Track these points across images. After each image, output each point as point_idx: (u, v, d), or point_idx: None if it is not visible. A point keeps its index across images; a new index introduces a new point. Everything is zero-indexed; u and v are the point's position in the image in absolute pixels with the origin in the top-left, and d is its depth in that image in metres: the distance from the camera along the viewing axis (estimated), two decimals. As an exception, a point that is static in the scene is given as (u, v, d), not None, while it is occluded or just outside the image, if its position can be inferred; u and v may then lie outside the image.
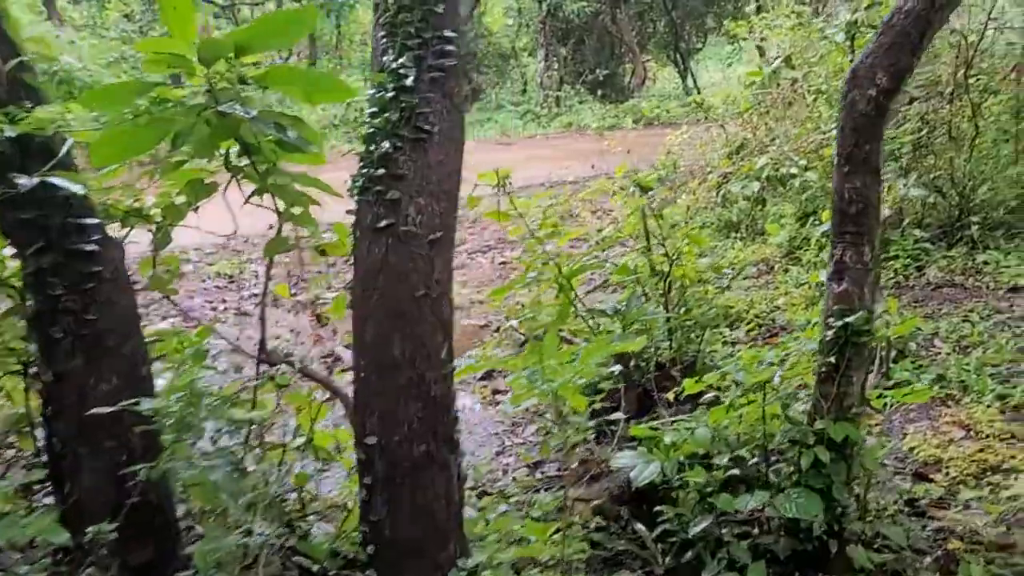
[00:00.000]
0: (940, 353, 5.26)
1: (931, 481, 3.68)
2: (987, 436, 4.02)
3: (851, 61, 7.99)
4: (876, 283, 3.19)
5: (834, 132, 7.15)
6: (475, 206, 4.25)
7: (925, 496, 3.52)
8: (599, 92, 22.87)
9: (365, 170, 2.43)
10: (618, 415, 3.62)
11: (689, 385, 3.38)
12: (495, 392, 5.46)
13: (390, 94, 2.44)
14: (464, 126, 2.65)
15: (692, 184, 8.56)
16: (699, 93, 17.42)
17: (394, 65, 2.49)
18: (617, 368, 3.50)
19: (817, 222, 6.93)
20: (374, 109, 2.47)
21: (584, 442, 4.27)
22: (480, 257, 8.49)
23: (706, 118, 9.43)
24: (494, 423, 5.01)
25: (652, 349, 4.52)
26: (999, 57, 9.11)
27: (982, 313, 5.84)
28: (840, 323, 2.98)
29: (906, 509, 3.40)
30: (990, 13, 7.68)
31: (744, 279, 7.06)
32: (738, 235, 8.09)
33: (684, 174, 9.33)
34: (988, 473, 3.66)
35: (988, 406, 4.41)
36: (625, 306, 4.26)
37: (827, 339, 3.05)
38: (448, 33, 2.62)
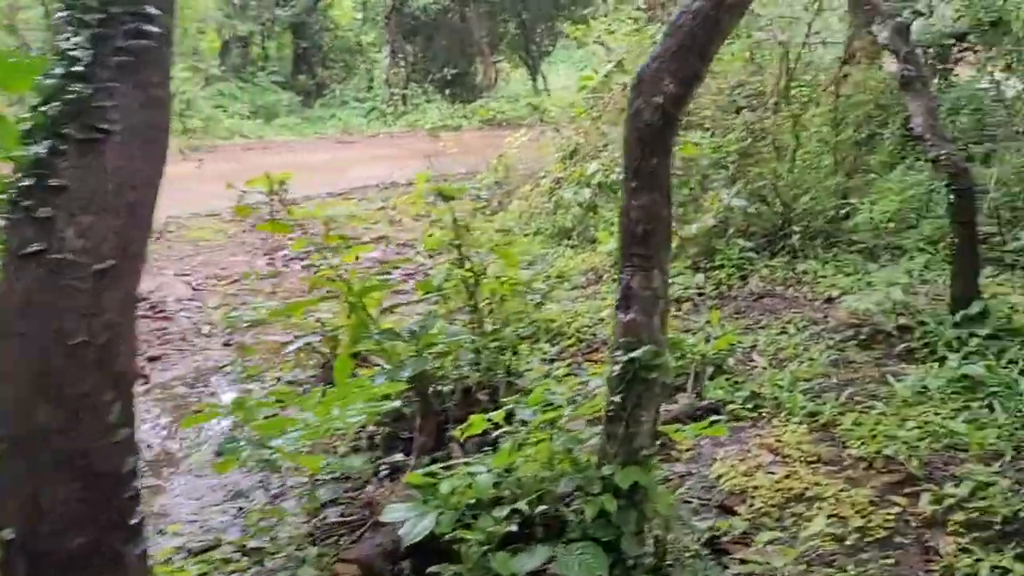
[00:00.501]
0: (757, 367, 5.16)
1: (735, 514, 3.47)
2: (794, 460, 3.88)
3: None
4: (667, 312, 2.92)
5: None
6: (245, 215, 3.73)
7: (728, 533, 3.30)
8: (448, 91, 22.51)
9: (18, 180, 1.88)
10: (398, 457, 3.20)
11: (476, 423, 3.01)
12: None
13: (55, 81, 1.91)
14: (168, 124, 2.13)
15: (525, 189, 8.30)
16: (548, 95, 17.37)
17: (66, 46, 1.95)
18: (393, 405, 3.07)
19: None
20: (35, 101, 1.93)
21: (375, 476, 3.85)
22: (297, 263, 7.90)
23: (541, 121, 9.21)
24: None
25: (454, 372, 4.13)
26: (823, 69, 9.39)
27: (799, 324, 5.83)
28: (627, 358, 2.68)
29: (706, 551, 3.16)
30: (810, 25, 7.81)
31: (572, 289, 6.84)
32: (570, 242, 7.88)
33: (520, 178, 9.07)
34: (792, 503, 3.50)
35: (799, 424, 4.30)
36: (421, 327, 3.85)
37: (614, 375, 2.74)
38: (149, 9, 2.09)
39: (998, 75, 12.92)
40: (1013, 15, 13.02)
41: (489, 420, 2.96)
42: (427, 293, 4.40)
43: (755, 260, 7.01)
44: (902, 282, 6.14)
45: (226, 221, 9.13)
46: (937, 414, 4.38)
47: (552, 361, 5.16)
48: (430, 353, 3.92)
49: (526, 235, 8.29)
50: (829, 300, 6.23)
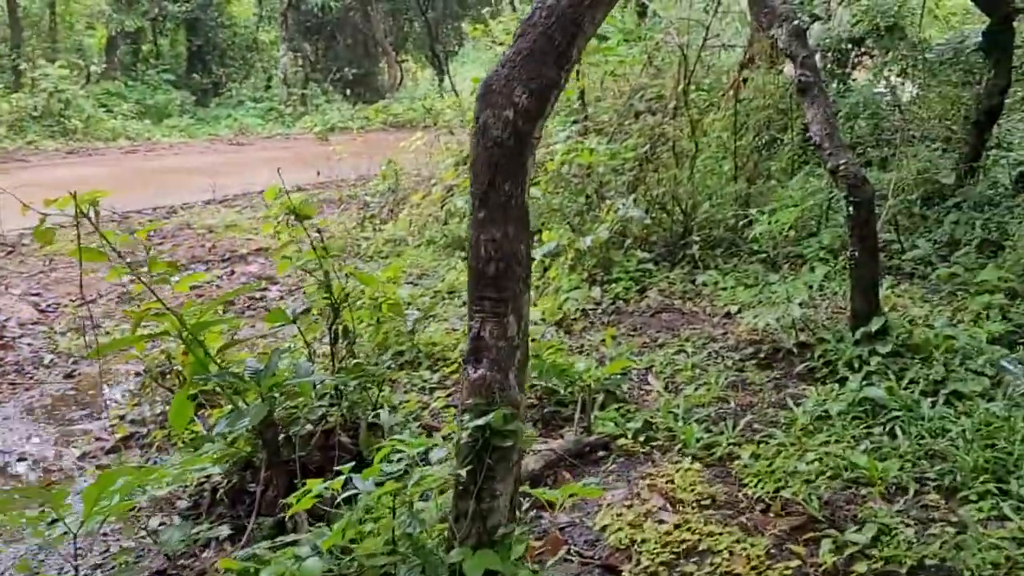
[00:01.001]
0: (653, 391, 4.81)
1: (619, 574, 3.08)
2: (687, 504, 3.52)
3: (576, 72, 7.63)
4: (525, 363, 2.48)
5: (558, 146, 6.65)
6: (45, 242, 3.14)
7: (610, 601, 2.91)
8: (351, 92, 21.79)
9: None
10: (217, 530, 2.68)
11: (304, 500, 2.51)
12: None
13: None
14: None
15: (416, 197, 7.81)
16: (457, 96, 16.88)
17: None
18: (214, 470, 2.56)
19: (539, 242, 6.39)
20: None
21: (215, 540, 3.32)
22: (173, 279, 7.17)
23: (435, 124, 8.73)
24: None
25: (309, 415, 3.62)
26: (724, 73, 9.19)
27: (697, 342, 5.53)
28: (475, 423, 2.23)
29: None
30: (708, 28, 7.56)
31: (463, 304, 6.38)
32: (463, 254, 7.42)
33: (413, 184, 8.56)
34: (682, 560, 3.12)
35: (693, 460, 3.94)
36: (265, 366, 3.32)
37: (462, 442, 2.29)
38: None
39: (894, 79, 13.15)
40: (908, 21, 13.25)
41: (323, 493, 2.46)
42: (275, 325, 3.86)
43: (654, 272, 6.70)
44: (802, 296, 5.94)
45: (88, 233, 8.28)
46: (838, 442, 4.10)
47: (432, 390, 4.69)
48: (278, 394, 3.41)
49: (418, 245, 7.81)
50: (728, 315, 5.96)
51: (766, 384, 4.94)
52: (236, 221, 8.50)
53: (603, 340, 5.45)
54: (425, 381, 4.77)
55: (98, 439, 4.38)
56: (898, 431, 4.19)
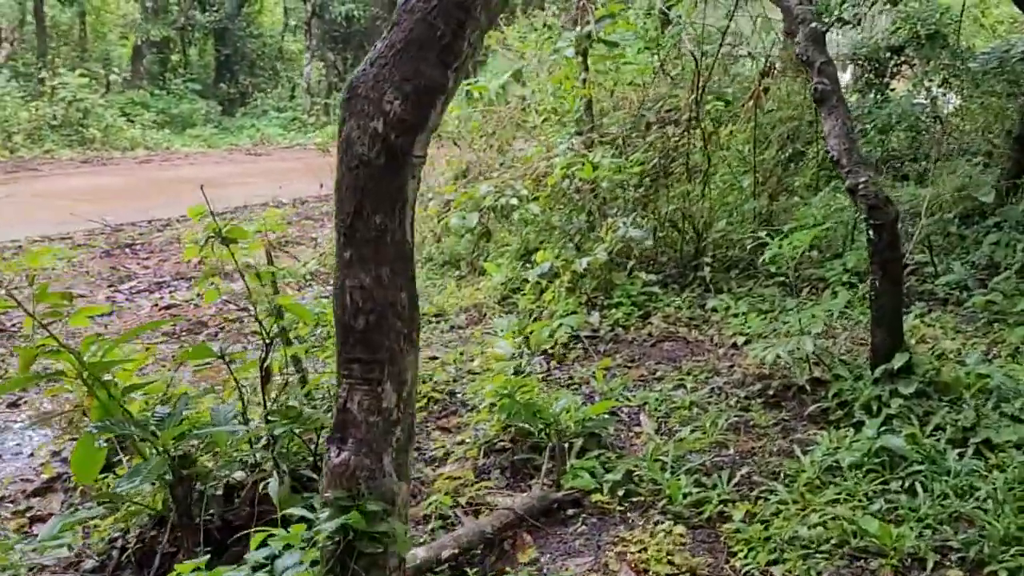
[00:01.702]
0: (644, 433, 4.31)
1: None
2: (662, 580, 3.02)
3: (584, 80, 7.18)
4: (408, 443, 1.99)
5: (557, 159, 6.19)
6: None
7: None
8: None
9: None
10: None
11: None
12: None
13: None
14: None
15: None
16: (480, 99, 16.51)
17: None
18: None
19: (533, 263, 5.94)
20: None
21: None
22: (143, 298, 6.85)
23: (439, 136, 8.31)
24: None
25: (224, 467, 3.20)
26: (746, 82, 8.66)
27: (700, 376, 5.03)
28: (333, 524, 1.77)
29: None
30: (724, 34, 7.06)
31: (450, 329, 5.95)
32: (459, 273, 7.00)
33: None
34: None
35: (676, 521, 3.45)
36: (168, 415, 2.91)
37: (324, 548, 1.83)
38: None
39: (935, 90, 12.47)
40: (951, 28, 12.57)
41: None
42: (184, 360, 3.45)
43: (660, 296, 6.19)
44: (820, 325, 5.40)
45: (77, 246, 8.05)
46: (848, 501, 3.58)
47: (395, 430, 4.25)
48: (195, 443, 3.00)
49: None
50: (736, 346, 5.44)
51: (772, 427, 4.42)
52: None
53: (596, 372, 4.97)
54: (390, 418, 4.33)
55: (24, 479, 4.01)
56: (918, 488, 3.65)
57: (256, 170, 12.93)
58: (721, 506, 3.53)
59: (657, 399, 4.67)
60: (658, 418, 4.48)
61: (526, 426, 3.87)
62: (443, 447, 4.03)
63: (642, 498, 3.61)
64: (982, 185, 8.33)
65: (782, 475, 3.87)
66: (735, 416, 4.51)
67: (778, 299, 6.32)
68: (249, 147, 17.05)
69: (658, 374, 5.09)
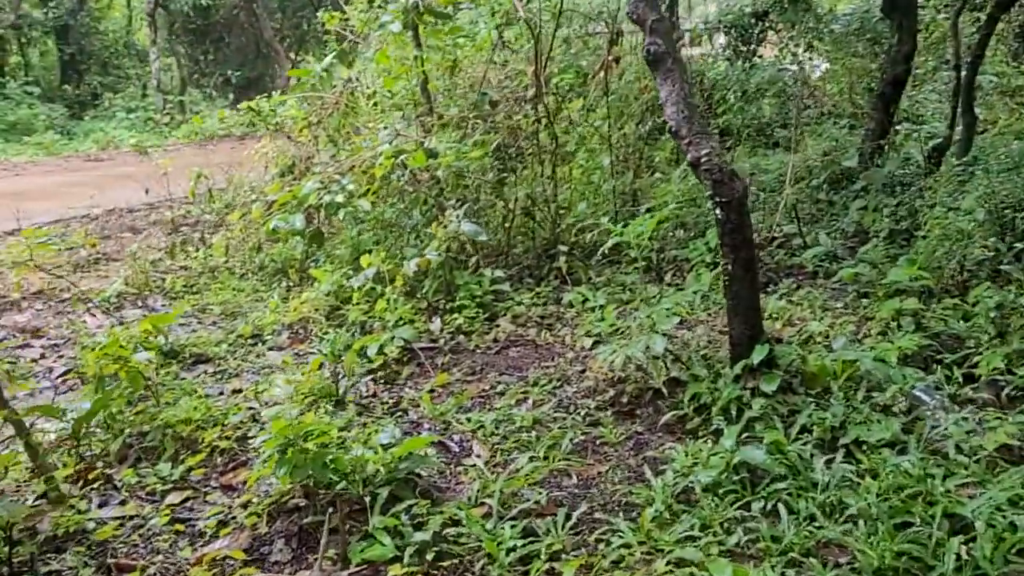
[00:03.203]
0: (475, 465, 3.65)
1: None
2: None
3: (417, 56, 6.44)
4: None
5: (385, 147, 5.46)
6: None
7: None
8: (241, 95, 20.25)
9: None
10: None
11: None
12: None
13: None
14: None
15: (234, 216, 6.53)
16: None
17: None
18: None
19: (355, 269, 5.20)
20: None
21: None
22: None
23: (269, 129, 7.44)
24: None
25: None
26: (597, 52, 8.10)
27: (546, 387, 4.41)
28: None
29: None
30: (562, 3, 6.42)
31: (269, 350, 5.15)
32: (289, 282, 6.19)
33: (237, 200, 7.27)
34: None
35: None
36: None
37: None
38: None
39: (801, 55, 12.28)
40: (814, -10, 12.37)
41: None
42: None
43: (510, 294, 5.56)
44: (681, 313, 4.87)
45: None
46: (703, 536, 3.01)
47: (164, 494, 3.44)
48: None
49: (242, 275, 6.54)
50: (591, 345, 4.85)
51: (623, 443, 3.84)
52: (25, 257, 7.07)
53: (422, 396, 4.29)
54: (162, 480, 3.51)
55: None
56: (782, 510, 3.12)
57: (89, 179, 11.68)
58: (551, 562, 2.90)
59: (495, 420, 4.02)
60: (493, 445, 3.82)
61: (319, 479, 3.15)
62: (221, 512, 3.27)
63: (456, 562, 2.94)
64: (848, 148, 8.05)
65: (631, 506, 3.28)
66: (583, 433, 3.91)
67: (640, 287, 5.79)
68: (92, 153, 15.59)
69: (500, 387, 4.45)
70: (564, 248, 5.99)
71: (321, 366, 4.32)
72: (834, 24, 12.13)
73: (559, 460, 3.64)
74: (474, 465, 3.63)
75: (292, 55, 23.75)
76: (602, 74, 6.63)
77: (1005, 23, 12.19)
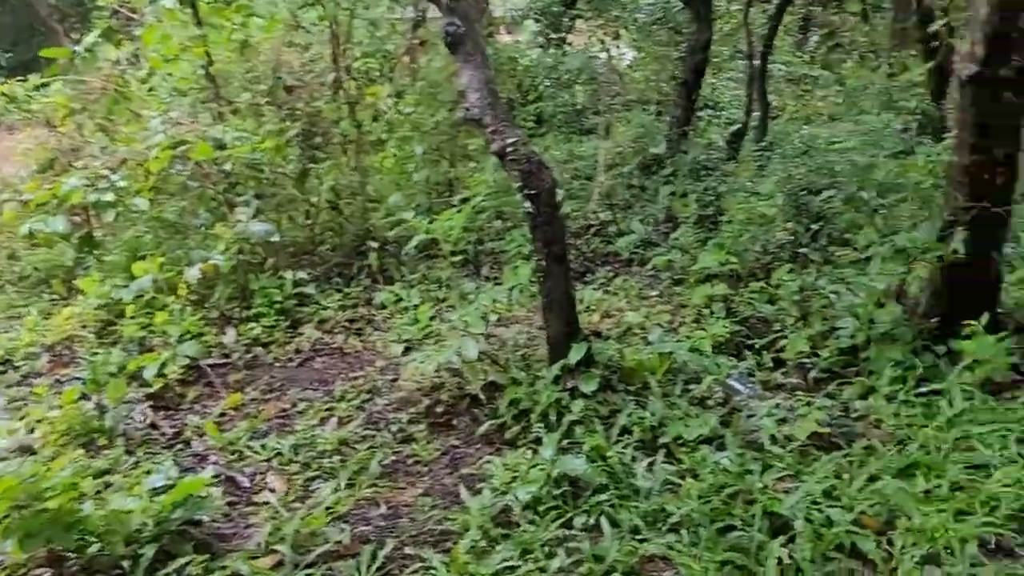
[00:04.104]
0: (268, 504, 3.21)
1: None
2: None
3: (196, 36, 5.79)
4: None
5: (160, 137, 4.83)
6: None
7: None
8: (15, 78, 18.15)
9: None
10: None
11: None
12: None
13: None
14: None
15: (-14, 220, 5.61)
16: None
17: None
18: None
19: (129, 277, 4.57)
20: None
21: None
22: None
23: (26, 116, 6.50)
24: None
25: None
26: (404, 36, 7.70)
27: (353, 400, 4.04)
28: None
29: None
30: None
31: (22, 379, 4.42)
32: (53, 294, 5.41)
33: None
34: None
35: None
36: None
37: None
38: None
39: (609, 43, 12.43)
40: (618, -21, 12.53)
41: None
42: None
43: (315, 298, 5.11)
44: (499, 310, 4.63)
45: None
46: (522, 561, 2.76)
47: None
48: None
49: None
50: (403, 351, 4.50)
51: (438, 459, 3.54)
52: None
53: (206, 424, 3.78)
54: None
55: None
56: (605, 524, 2.92)
57: None
58: (352, 615, 2.55)
59: (294, 445, 3.59)
60: (291, 475, 3.40)
61: (65, 544, 2.61)
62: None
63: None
64: (656, 134, 8.13)
65: (446, 534, 2.97)
66: (393, 452, 3.57)
67: (456, 282, 5.50)
68: None
69: (302, 405, 4.01)
70: (375, 244, 5.60)
71: (83, 396, 3.70)
72: (638, 13, 12.36)
73: (366, 487, 3.28)
74: (267, 503, 3.19)
75: (73, 35, 21.61)
76: (407, 59, 6.25)
77: (790, 15, 12.90)
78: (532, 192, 3.61)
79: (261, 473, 3.42)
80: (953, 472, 3.03)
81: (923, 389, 3.63)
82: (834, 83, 12.67)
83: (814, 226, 5.53)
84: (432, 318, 4.74)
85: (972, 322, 3.67)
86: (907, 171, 4.73)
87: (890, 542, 2.73)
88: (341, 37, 5.75)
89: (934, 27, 7.50)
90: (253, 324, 4.70)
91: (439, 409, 3.90)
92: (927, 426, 3.38)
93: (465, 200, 6.16)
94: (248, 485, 3.35)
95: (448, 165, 7.03)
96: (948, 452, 3.19)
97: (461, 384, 4.03)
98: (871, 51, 11.76)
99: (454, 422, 3.83)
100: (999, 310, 3.95)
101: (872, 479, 3.05)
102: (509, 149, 3.60)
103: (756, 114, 8.54)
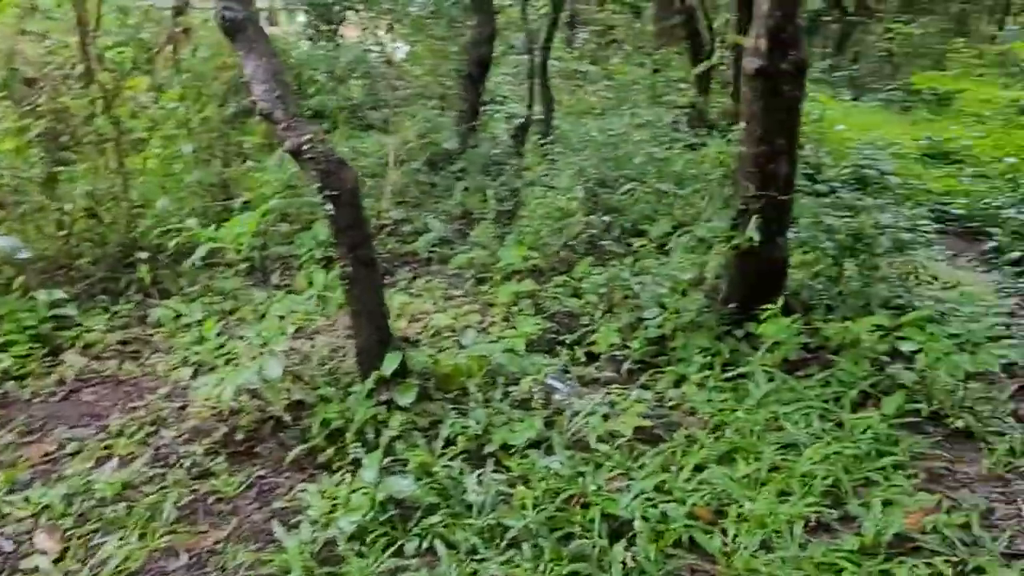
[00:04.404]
0: (37, 571, 2.70)
1: None
2: None
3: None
4: None
5: None
6: None
7: None
8: None
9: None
10: None
11: None
12: None
13: None
14: None
15: None
16: None
17: None
18: None
19: None
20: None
21: None
22: None
23: None
24: None
25: None
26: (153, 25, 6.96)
27: (135, 435, 3.52)
28: None
29: None
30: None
31: None
32: None
33: None
34: None
35: None
36: None
37: None
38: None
39: (382, 36, 12.15)
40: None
41: None
42: None
43: (76, 319, 4.45)
44: (297, 321, 4.27)
45: None
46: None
47: None
48: None
49: None
50: (192, 378, 4.02)
51: (244, 494, 3.16)
52: None
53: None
54: None
55: None
56: (440, 548, 2.72)
57: None
58: None
59: (67, 495, 3.06)
60: (67, 530, 2.88)
61: None
62: None
63: None
64: (442, 129, 7.99)
65: (260, 582, 2.63)
66: (190, 491, 3.14)
67: (244, 292, 5.04)
68: None
69: (72, 446, 3.44)
70: (145, 255, 4.99)
71: None
72: (411, 7, 12.19)
73: (161, 535, 2.85)
74: (38, 568, 2.68)
75: None
76: (170, 49, 5.64)
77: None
78: (333, 193, 3.31)
79: (27, 532, 2.87)
80: (769, 454, 3.13)
81: (730, 373, 3.76)
82: (603, 78, 13.19)
83: (607, 218, 5.64)
84: (220, 334, 4.28)
85: (769, 306, 3.85)
86: (700, 163, 4.92)
87: (724, 531, 2.76)
88: (89, 23, 5.06)
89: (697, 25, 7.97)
90: (1, 355, 4.00)
91: (239, 437, 3.50)
92: (738, 410, 3.49)
93: (247, 203, 5.71)
94: (11, 550, 2.79)
95: (222, 165, 6.47)
96: (761, 433, 3.30)
97: (262, 407, 3.64)
98: (640, 47, 12.37)
99: (257, 450, 3.45)
100: (785, 292, 4.20)
101: (698, 468, 3.09)
102: (305, 147, 3.27)
103: (537, 107, 8.64)
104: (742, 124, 3.97)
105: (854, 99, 12.57)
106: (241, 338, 3.87)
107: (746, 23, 7.37)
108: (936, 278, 4.69)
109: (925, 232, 4.95)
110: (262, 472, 3.29)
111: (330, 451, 3.31)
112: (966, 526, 2.72)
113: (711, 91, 8.63)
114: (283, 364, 3.51)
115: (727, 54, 8.12)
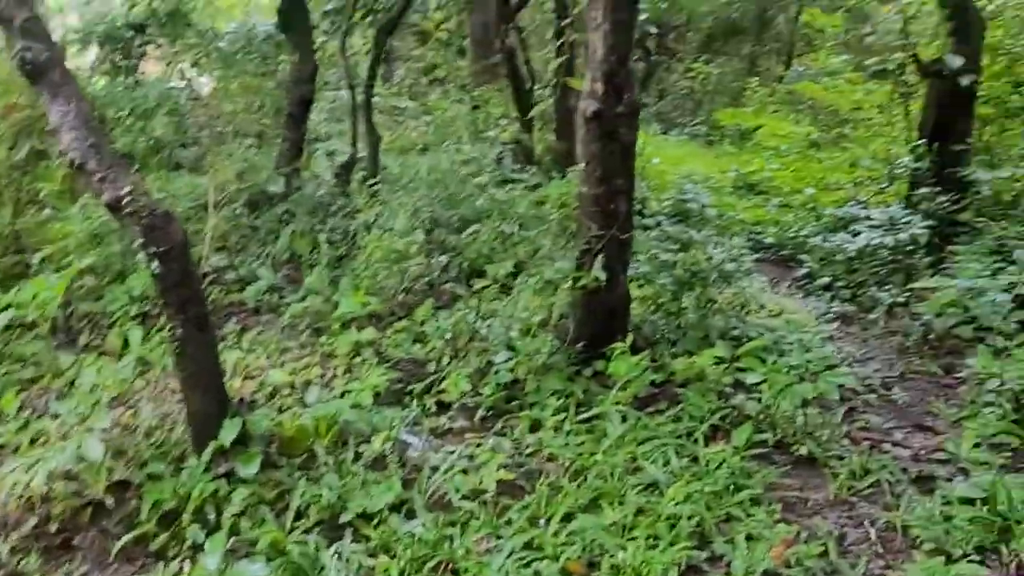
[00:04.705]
0: None
1: None
2: None
3: None
4: None
5: None
6: None
7: None
8: None
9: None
10: None
11: None
12: None
13: None
14: None
15: None
16: None
17: None
18: None
19: None
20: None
21: None
22: None
23: None
24: None
25: None
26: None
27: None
28: None
29: None
30: None
31: None
32: None
33: None
34: None
35: None
36: None
37: None
38: None
39: (188, 72, 11.54)
40: (191, 6, 11.68)
41: None
42: None
43: None
44: (113, 389, 3.85)
45: None
46: None
47: None
48: None
49: None
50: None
51: (65, 596, 2.75)
52: None
53: None
54: None
55: None
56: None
57: None
58: None
59: None
60: None
61: None
62: None
63: None
64: (261, 169, 7.62)
65: None
66: (-1, 601, 2.70)
67: (48, 356, 4.49)
68: None
69: None
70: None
71: None
72: (220, 42, 11.68)
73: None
74: None
75: None
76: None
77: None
78: (159, 249, 3.00)
79: None
80: (632, 497, 3.12)
81: (584, 415, 3.74)
82: (423, 114, 13.17)
83: (444, 259, 5.54)
84: (22, 408, 3.78)
85: (618, 344, 3.88)
86: (541, 203, 4.93)
87: (600, 586, 2.70)
88: None
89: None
90: None
91: (52, 528, 3.07)
92: (596, 453, 3.46)
93: (44, 259, 5.14)
94: None
95: (12, 215, 5.82)
96: (622, 476, 3.29)
97: (78, 490, 3.22)
98: (464, 86, 12.46)
99: (75, 542, 3.04)
100: (630, 328, 4.26)
101: (566, 518, 3.02)
102: (125, 200, 2.95)
103: (361, 145, 8.45)
104: (581, 165, 4.01)
105: (664, 133, 13.31)
106: (52, 415, 3.42)
107: (568, 65, 7.68)
108: (763, 306, 4.95)
109: (745, 261, 5.24)
110: (84, 568, 2.90)
111: (163, 537, 2.97)
112: (824, 554, 2.82)
113: (533, 128, 8.80)
114: (104, 440, 3.12)
115: (548, 92, 8.33)
